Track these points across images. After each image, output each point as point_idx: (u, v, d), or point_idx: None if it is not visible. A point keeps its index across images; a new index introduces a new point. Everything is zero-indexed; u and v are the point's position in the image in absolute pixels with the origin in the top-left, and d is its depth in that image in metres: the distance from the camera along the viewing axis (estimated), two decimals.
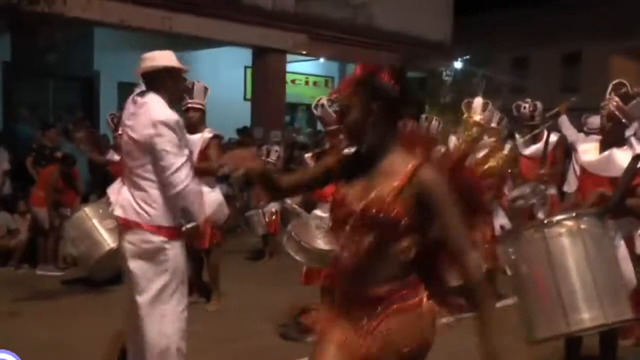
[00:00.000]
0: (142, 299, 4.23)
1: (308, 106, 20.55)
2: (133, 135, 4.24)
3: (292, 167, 12.79)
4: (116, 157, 8.24)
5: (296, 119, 20.44)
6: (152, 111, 4.19)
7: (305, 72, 19.85)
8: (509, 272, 4.50)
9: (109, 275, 7.85)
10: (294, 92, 18.76)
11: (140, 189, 4.22)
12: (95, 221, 7.81)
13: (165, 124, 4.15)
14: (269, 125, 14.90)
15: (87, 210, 7.96)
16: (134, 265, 4.26)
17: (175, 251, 4.29)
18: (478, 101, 6.91)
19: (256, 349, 5.72)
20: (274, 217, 9.66)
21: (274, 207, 9.62)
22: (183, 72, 4.49)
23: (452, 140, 7.00)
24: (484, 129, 6.90)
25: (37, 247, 9.28)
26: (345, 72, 20.40)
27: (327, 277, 5.46)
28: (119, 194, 4.36)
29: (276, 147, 10.26)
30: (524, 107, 7.47)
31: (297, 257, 5.39)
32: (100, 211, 7.87)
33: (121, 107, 14.46)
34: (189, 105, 6.56)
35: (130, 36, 13.88)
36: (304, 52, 16.34)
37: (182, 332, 4.34)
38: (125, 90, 15.50)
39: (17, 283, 8.38)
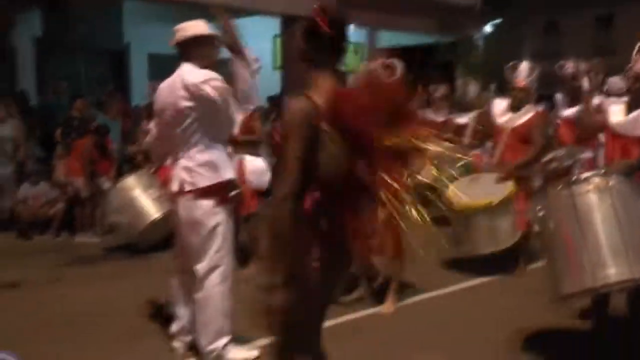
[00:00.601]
0: (200, 266, 4.40)
1: None
2: (171, 104, 4.38)
3: None
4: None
5: None
6: (184, 75, 4.34)
7: None
8: (537, 229, 4.51)
9: (151, 243, 8.01)
10: None
11: (185, 156, 4.36)
12: (139, 190, 7.97)
13: (203, 82, 4.28)
14: (299, 94, 14.84)
15: (131, 179, 8.12)
16: (188, 232, 4.43)
17: (224, 215, 4.44)
18: (524, 65, 6.80)
19: None
20: None
21: None
22: (214, 39, 4.57)
23: (500, 104, 6.99)
24: (528, 94, 6.80)
25: (74, 215, 9.49)
26: (375, 38, 20.23)
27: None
28: (169, 169, 4.53)
29: None
30: (567, 68, 7.36)
31: None
32: (144, 181, 8.01)
33: (152, 78, 14.64)
34: None
35: (159, 8, 13.91)
36: None
37: (228, 293, 4.49)
38: (155, 62, 15.68)
39: (57, 250, 8.59)
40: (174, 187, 4.47)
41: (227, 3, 13.70)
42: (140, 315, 5.65)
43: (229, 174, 4.48)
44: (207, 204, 4.35)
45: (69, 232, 9.47)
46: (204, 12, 13.95)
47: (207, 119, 4.34)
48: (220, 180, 4.39)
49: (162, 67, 15.49)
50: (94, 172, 9.47)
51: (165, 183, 8.03)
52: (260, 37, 17.07)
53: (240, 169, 6.59)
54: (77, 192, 9.40)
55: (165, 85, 4.52)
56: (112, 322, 5.60)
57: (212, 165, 4.38)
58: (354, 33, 19.52)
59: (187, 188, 4.37)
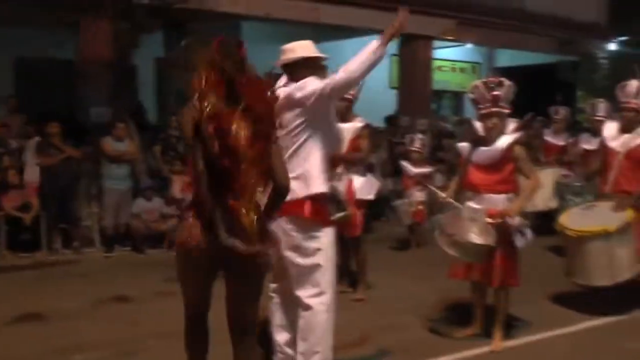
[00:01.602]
0: (301, 292, 4.23)
1: (454, 93, 20.16)
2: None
3: (440, 155, 12.53)
4: None
5: (442, 106, 20.06)
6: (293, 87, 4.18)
7: (452, 59, 19.40)
8: None
9: None
10: (440, 79, 18.38)
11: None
12: None
13: (304, 83, 4.12)
14: (415, 113, 14.66)
15: None
16: (289, 254, 4.25)
17: (328, 238, 4.25)
18: (632, 84, 6.41)
19: (403, 342, 5.56)
20: (420, 206, 9.45)
21: (421, 196, 9.42)
22: (322, 61, 4.43)
23: (611, 127, 6.59)
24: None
25: None
26: (493, 57, 19.79)
27: (478, 272, 5.25)
28: None
29: (420, 135, 10.01)
30: None
31: (448, 251, 5.04)
32: None
33: None
34: None
35: (276, 28, 14.03)
36: (452, 38, 15.91)
37: (332, 322, 4.30)
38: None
39: (167, 264, 8.64)
40: None
41: (344, 22, 13.80)
42: None
43: (318, 187, 4.21)
44: (307, 225, 4.16)
45: None
46: (320, 32, 14.04)
47: (311, 126, 4.17)
48: (309, 193, 4.15)
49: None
50: None
51: None
52: None
53: (349, 190, 6.42)
54: None
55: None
56: (215, 337, 5.56)
57: (304, 178, 4.16)
58: (473, 52, 19.20)
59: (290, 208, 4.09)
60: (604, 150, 6.63)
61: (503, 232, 5.08)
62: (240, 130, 3.28)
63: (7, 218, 9.19)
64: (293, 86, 4.16)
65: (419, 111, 15.07)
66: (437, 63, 17.77)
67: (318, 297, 4.21)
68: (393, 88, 17.00)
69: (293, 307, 4.35)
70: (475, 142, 5.38)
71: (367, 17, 13.40)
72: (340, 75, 4.05)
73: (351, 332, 5.43)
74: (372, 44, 4.04)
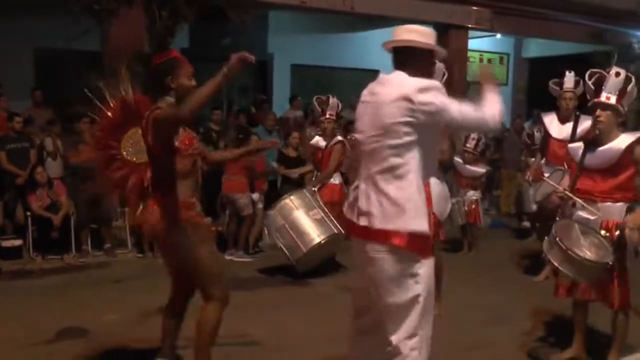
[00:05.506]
0: (392, 335, 3.55)
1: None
2: (383, 116, 3.52)
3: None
4: (322, 144, 7.79)
5: (469, 99, 19.39)
6: (404, 81, 3.52)
7: (479, 49, 18.73)
8: None
9: (310, 268, 7.49)
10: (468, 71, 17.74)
11: (385, 188, 3.48)
12: (302, 211, 7.46)
13: (429, 88, 3.48)
14: None
15: (294, 199, 7.58)
16: (377, 288, 3.59)
17: (426, 270, 3.57)
18: None
19: None
20: (474, 205, 8.90)
21: (475, 195, 8.87)
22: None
23: None
24: None
25: (227, 232, 9.11)
26: (521, 47, 19.15)
27: (585, 289, 4.59)
28: (358, 198, 3.66)
29: (473, 135, 9.27)
30: None
31: (560, 268, 4.32)
32: (307, 200, 7.51)
33: (294, 88, 14.19)
34: None
35: (305, 18, 13.48)
36: (486, 28, 15.27)
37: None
38: (298, 73, 15.27)
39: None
40: (356, 219, 3.58)
41: (378, 12, 13.14)
42: (308, 351, 5.16)
43: (418, 223, 3.48)
44: (403, 256, 3.47)
45: (218, 249, 9.08)
46: (353, 22, 13.31)
47: (422, 140, 3.50)
48: (406, 229, 3.44)
49: (304, 77, 15.05)
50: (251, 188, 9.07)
51: (331, 203, 7.53)
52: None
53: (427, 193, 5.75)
54: (238, 210, 8.92)
55: (371, 95, 3.66)
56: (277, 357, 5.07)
57: (400, 204, 3.45)
58: (500, 42, 18.56)
59: (377, 226, 3.46)
60: None
61: (619, 247, 4.42)
62: None
63: (34, 218, 8.69)
64: (413, 84, 3.46)
65: None
66: None
67: (410, 340, 3.52)
68: None
69: (373, 345, 3.75)
70: (588, 143, 4.75)
71: (402, 7, 12.83)
72: (474, 114, 3.72)
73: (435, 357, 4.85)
74: (493, 89, 3.87)
